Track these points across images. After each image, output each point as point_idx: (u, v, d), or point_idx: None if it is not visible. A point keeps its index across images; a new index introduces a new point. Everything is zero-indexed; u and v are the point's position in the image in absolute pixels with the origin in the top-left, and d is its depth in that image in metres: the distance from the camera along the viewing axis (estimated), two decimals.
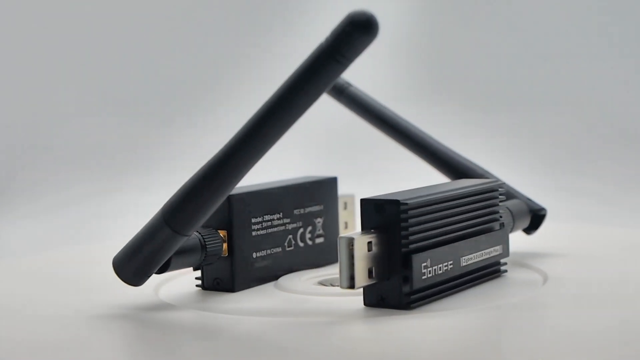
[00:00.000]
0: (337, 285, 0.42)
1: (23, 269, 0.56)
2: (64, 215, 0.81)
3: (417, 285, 0.42)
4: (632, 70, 0.91)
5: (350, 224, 0.56)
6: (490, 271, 0.48)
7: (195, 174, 0.41)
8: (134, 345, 0.41)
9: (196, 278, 0.49)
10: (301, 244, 0.51)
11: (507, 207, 0.52)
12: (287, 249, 0.50)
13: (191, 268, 0.48)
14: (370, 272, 0.42)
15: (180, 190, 0.41)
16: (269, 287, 0.49)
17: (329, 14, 0.40)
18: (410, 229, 0.42)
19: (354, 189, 0.57)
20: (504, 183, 0.52)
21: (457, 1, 0.98)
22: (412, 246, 0.42)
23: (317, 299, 0.46)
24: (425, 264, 0.43)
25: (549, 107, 0.92)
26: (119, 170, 0.88)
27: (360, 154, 0.90)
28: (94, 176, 0.87)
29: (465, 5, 0.97)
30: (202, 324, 0.43)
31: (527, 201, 0.55)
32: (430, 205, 0.44)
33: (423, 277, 0.43)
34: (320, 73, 0.38)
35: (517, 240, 0.54)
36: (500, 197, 0.49)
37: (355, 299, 0.44)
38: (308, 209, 0.52)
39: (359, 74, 0.58)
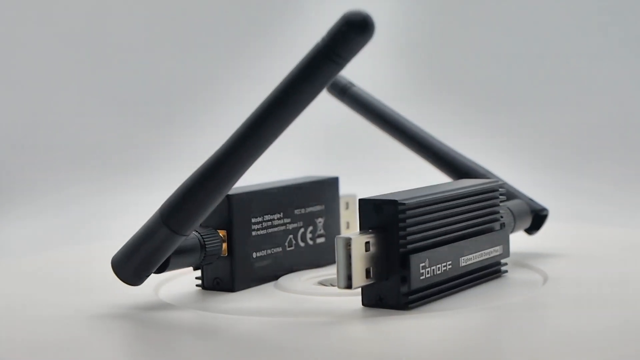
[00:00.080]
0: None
1: (22, 269, 0.56)
2: (64, 215, 0.81)
3: (415, 285, 0.42)
4: (634, 69, 0.91)
5: (352, 224, 0.56)
6: (490, 271, 0.48)
7: (193, 174, 0.41)
8: (133, 345, 0.41)
9: (196, 278, 0.49)
10: (302, 244, 0.51)
11: (508, 208, 0.52)
12: (288, 248, 0.50)
13: (191, 268, 0.48)
14: (368, 272, 0.42)
15: (178, 190, 0.41)
16: (269, 287, 0.49)
17: (328, 13, 0.40)
18: (408, 229, 0.42)
19: (356, 189, 0.57)
20: (505, 183, 0.52)
21: (458, 0, 0.98)
22: (410, 246, 0.42)
23: (316, 299, 0.46)
24: (423, 264, 0.43)
25: (550, 106, 0.92)
26: (118, 170, 0.88)
27: (362, 153, 0.90)
28: (94, 176, 0.87)
29: (466, 4, 0.97)
30: (201, 324, 0.43)
31: (529, 201, 0.54)
32: (429, 206, 0.44)
33: (421, 278, 0.43)
34: (317, 73, 0.38)
35: (519, 240, 0.54)
36: (500, 197, 0.49)
37: (354, 299, 0.44)
38: (309, 209, 0.52)
39: (359, 73, 0.58)
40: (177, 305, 0.45)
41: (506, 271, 0.49)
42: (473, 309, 0.43)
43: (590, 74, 0.91)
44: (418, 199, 0.43)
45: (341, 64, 0.37)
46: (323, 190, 0.53)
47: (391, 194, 0.44)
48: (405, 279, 0.42)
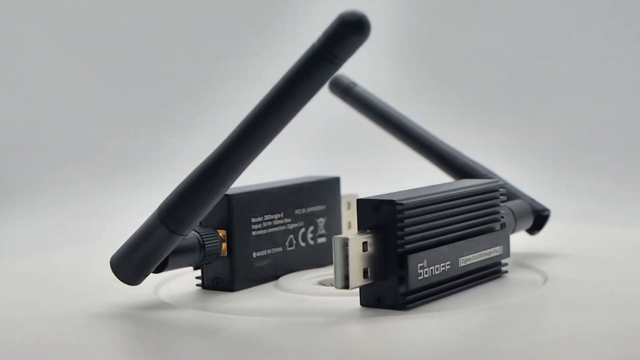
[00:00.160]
0: None
1: (22, 270, 0.56)
2: (63, 214, 0.82)
3: (412, 285, 0.42)
4: (637, 66, 0.90)
5: (354, 224, 0.56)
6: (490, 272, 0.48)
7: (191, 174, 0.41)
8: (133, 345, 0.41)
9: (196, 277, 0.49)
10: (302, 244, 0.51)
11: (509, 208, 0.52)
12: (288, 248, 0.50)
13: (191, 268, 0.48)
14: (365, 272, 0.42)
15: (175, 190, 0.42)
16: (269, 286, 0.49)
17: (326, 13, 0.40)
18: (406, 229, 0.42)
19: (358, 189, 0.57)
20: (505, 183, 0.52)
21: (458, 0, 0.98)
22: (408, 246, 0.42)
23: (315, 299, 0.46)
24: (421, 264, 0.43)
25: (549, 106, 0.92)
26: (117, 169, 0.88)
27: (364, 153, 0.90)
28: (92, 176, 0.87)
29: (466, 3, 0.97)
30: (200, 324, 0.43)
31: (531, 202, 0.54)
32: (427, 206, 0.44)
33: (419, 278, 0.43)
34: (313, 73, 0.38)
35: (520, 240, 0.54)
36: (501, 197, 0.49)
37: (353, 299, 0.44)
38: (310, 209, 0.52)
39: (359, 74, 0.58)
40: (176, 305, 0.45)
41: (506, 271, 0.49)
42: (471, 309, 0.43)
43: (592, 72, 0.91)
44: (416, 199, 0.43)
45: (337, 64, 0.38)
46: (324, 190, 0.53)
47: (390, 194, 0.44)
48: (403, 279, 0.42)
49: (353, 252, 0.41)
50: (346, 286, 0.41)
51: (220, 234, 0.47)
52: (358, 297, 0.44)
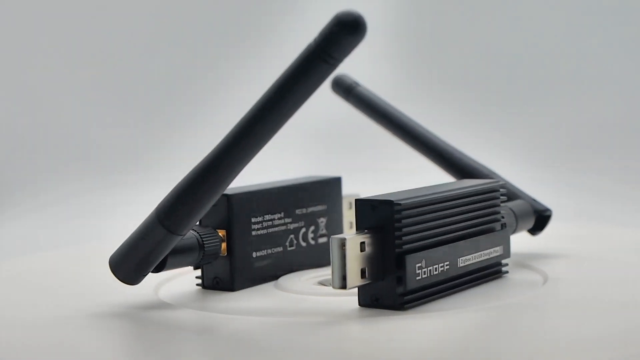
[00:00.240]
0: None
1: (22, 270, 0.56)
2: (62, 214, 0.82)
3: (410, 286, 0.42)
4: (636, 66, 0.90)
5: None
6: (489, 272, 0.48)
7: (188, 174, 0.41)
8: (133, 345, 0.41)
9: (196, 277, 0.49)
10: (303, 244, 0.51)
11: (510, 208, 0.52)
12: (289, 248, 0.50)
13: (191, 267, 0.48)
14: (363, 272, 0.42)
15: (173, 190, 0.42)
16: (268, 286, 0.49)
17: (324, 12, 0.40)
18: (404, 230, 0.42)
19: (361, 189, 0.57)
20: (506, 183, 0.52)
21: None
22: (406, 247, 0.42)
23: (314, 299, 0.46)
24: (419, 264, 0.43)
25: (551, 106, 0.92)
26: (116, 169, 0.88)
27: (366, 153, 0.90)
28: (91, 176, 0.87)
29: (466, 3, 0.97)
30: (199, 324, 0.43)
31: (532, 202, 0.54)
32: (425, 206, 0.44)
33: (417, 278, 0.43)
34: (309, 74, 0.38)
35: (522, 240, 0.54)
36: (501, 197, 0.49)
37: (352, 299, 0.44)
38: (310, 209, 0.52)
39: (359, 73, 0.58)
40: (176, 304, 0.46)
41: (507, 272, 0.49)
42: (471, 309, 0.43)
43: (593, 72, 0.91)
44: (414, 199, 0.43)
45: (334, 65, 0.37)
46: (325, 190, 0.53)
47: (388, 194, 0.44)
48: (401, 280, 0.42)
49: (350, 252, 0.41)
50: (343, 286, 0.41)
51: (220, 234, 0.47)
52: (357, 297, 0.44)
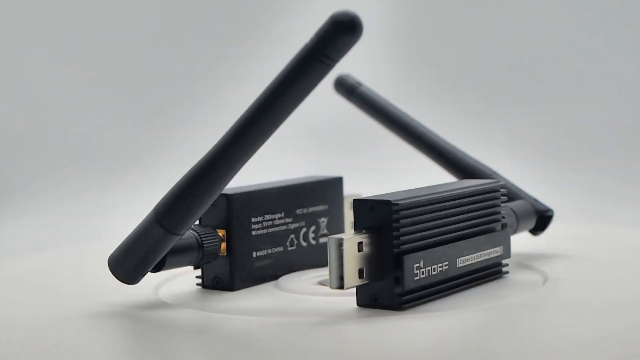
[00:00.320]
0: None
1: (21, 270, 0.56)
2: (62, 214, 0.82)
3: (409, 286, 0.42)
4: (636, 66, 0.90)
5: None
6: (489, 272, 0.48)
7: (186, 174, 0.41)
8: (133, 345, 0.41)
9: (197, 277, 0.49)
10: (304, 244, 0.51)
11: (511, 208, 0.52)
12: (289, 248, 0.51)
13: (192, 267, 0.48)
14: (361, 272, 0.42)
15: (171, 190, 0.42)
16: (268, 286, 0.49)
17: (321, 12, 0.40)
18: (402, 230, 0.42)
19: (363, 189, 0.57)
20: (506, 184, 0.51)
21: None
22: (404, 247, 0.42)
23: (313, 299, 0.46)
24: (418, 264, 0.43)
25: (550, 106, 0.92)
26: (116, 169, 0.88)
27: (368, 153, 0.90)
28: (90, 175, 0.87)
29: (467, 2, 0.97)
30: (199, 323, 0.43)
31: (534, 202, 0.54)
32: (424, 206, 0.44)
33: (416, 278, 0.43)
34: (306, 74, 0.38)
35: (521, 240, 0.54)
36: (502, 197, 0.48)
37: (352, 299, 0.44)
38: (311, 209, 0.52)
39: (359, 74, 0.58)
40: (175, 304, 0.46)
41: (507, 272, 0.49)
42: (469, 309, 0.43)
43: (593, 72, 0.91)
44: (413, 200, 0.43)
45: (330, 65, 0.37)
46: (326, 190, 0.53)
47: (387, 194, 0.44)
48: (399, 280, 0.42)
49: (348, 252, 0.41)
50: (341, 286, 0.41)
51: (219, 234, 0.47)
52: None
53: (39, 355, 0.39)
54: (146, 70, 0.94)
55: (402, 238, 0.42)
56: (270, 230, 0.49)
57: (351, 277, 0.41)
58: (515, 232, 0.51)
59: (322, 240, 0.52)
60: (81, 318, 0.44)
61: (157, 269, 0.44)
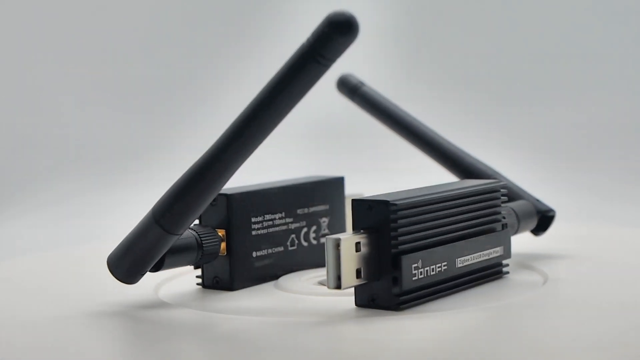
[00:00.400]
0: None
1: (21, 270, 0.56)
2: (61, 214, 0.82)
3: (407, 286, 0.42)
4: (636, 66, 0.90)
5: None
6: (489, 272, 0.48)
7: (184, 174, 0.41)
8: (133, 345, 0.41)
9: (197, 277, 0.49)
10: (305, 244, 0.51)
11: (512, 209, 0.51)
12: (290, 248, 0.51)
13: (192, 267, 0.48)
14: (358, 272, 0.42)
15: (169, 190, 0.42)
16: (268, 286, 0.49)
17: (319, 12, 0.40)
18: (400, 230, 0.42)
19: (364, 189, 0.57)
20: (507, 184, 0.51)
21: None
22: (402, 247, 0.42)
23: (313, 299, 0.46)
24: (416, 265, 0.43)
25: (550, 106, 0.92)
26: (116, 169, 0.88)
27: (370, 153, 0.90)
28: (91, 175, 0.87)
29: (467, 2, 0.97)
30: (199, 323, 0.43)
31: (535, 202, 0.54)
32: (422, 206, 0.44)
33: (414, 279, 0.43)
34: (302, 74, 0.38)
35: (522, 240, 0.54)
36: (502, 198, 0.48)
37: (351, 299, 0.44)
38: (312, 209, 0.52)
39: (359, 74, 0.58)
40: (175, 304, 0.46)
41: (507, 272, 0.49)
42: (468, 309, 0.43)
43: (593, 72, 0.91)
44: (411, 200, 0.43)
45: (326, 65, 0.38)
46: (327, 190, 0.53)
47: (386, 194, 0.44)
48: (397, 280, 0.42)
49: (345, 252, 0.41)
50: (338, 286, 0.41)
51: (219, 234, 0.47)
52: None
53: (39, 355, 0.39)
54: (146, 70, 0.95)
55: (400, 238, 0.42)
56: (271, 230, 0.49)
57: (348, 277, 0.41)
58: (516, 232, 0.51)
59: (323, 240, 0.52)
60: (81, 318, 0.44)
61: (156, 268, 0.44)
